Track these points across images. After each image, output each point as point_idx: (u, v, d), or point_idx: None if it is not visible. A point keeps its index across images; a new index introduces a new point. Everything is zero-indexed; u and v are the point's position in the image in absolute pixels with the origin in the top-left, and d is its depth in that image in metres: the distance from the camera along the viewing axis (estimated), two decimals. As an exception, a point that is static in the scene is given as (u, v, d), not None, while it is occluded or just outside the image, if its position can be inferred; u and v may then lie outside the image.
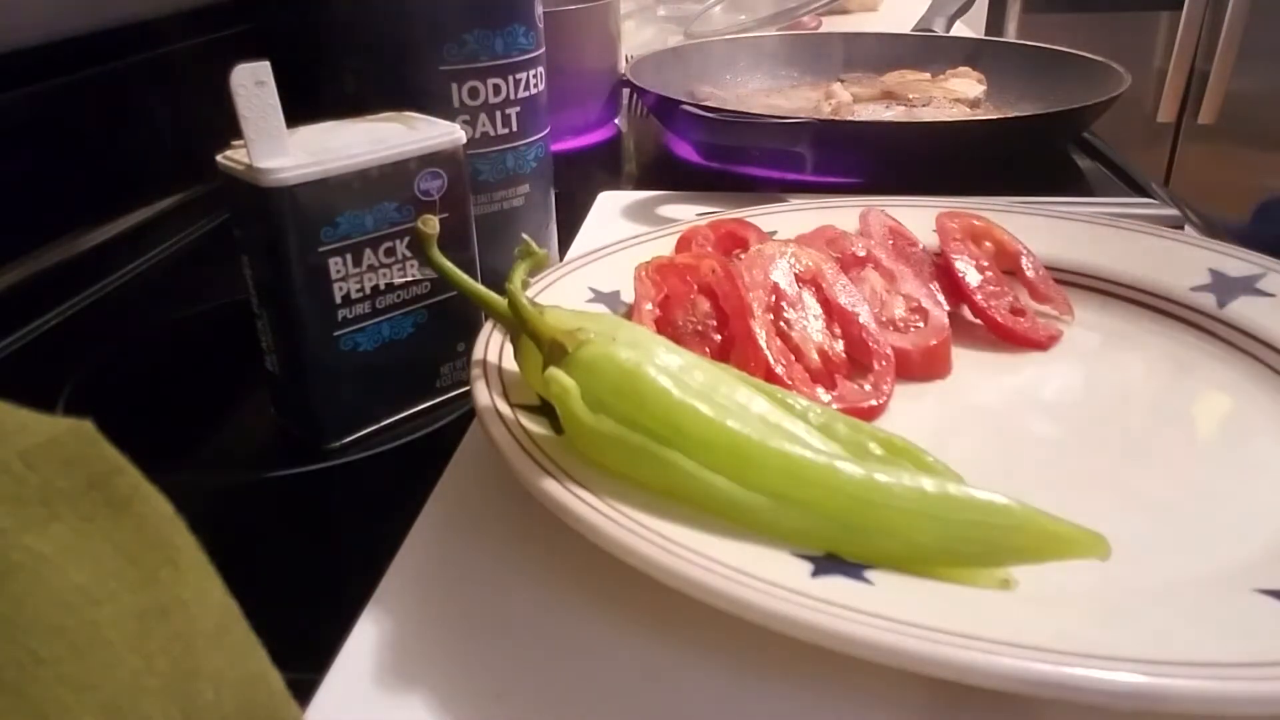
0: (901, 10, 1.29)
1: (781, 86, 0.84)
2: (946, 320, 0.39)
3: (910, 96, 0.77)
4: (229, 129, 0.32)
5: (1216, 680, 0.20)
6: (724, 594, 0.22)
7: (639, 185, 0.67)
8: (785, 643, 0.22)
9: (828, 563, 0.24)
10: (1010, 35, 1.72)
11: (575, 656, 0.26)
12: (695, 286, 0.38)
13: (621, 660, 0.25)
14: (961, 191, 0.52)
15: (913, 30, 0.95)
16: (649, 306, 0.37)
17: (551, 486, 0.26)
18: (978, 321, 0.42)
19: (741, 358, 0.35)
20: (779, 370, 0.35)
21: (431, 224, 0.31)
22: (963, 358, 0.39)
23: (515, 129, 0.43)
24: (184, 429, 0.40)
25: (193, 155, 0.42)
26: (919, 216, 0.45)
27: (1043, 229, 0.46)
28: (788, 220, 0.46)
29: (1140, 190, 0.63)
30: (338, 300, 0.34)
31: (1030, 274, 0.43)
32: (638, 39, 1.13)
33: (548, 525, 0.27)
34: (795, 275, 0.39)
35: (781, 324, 0.37)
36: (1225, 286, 0.41)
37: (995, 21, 1.74)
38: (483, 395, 0.30)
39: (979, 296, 0.41)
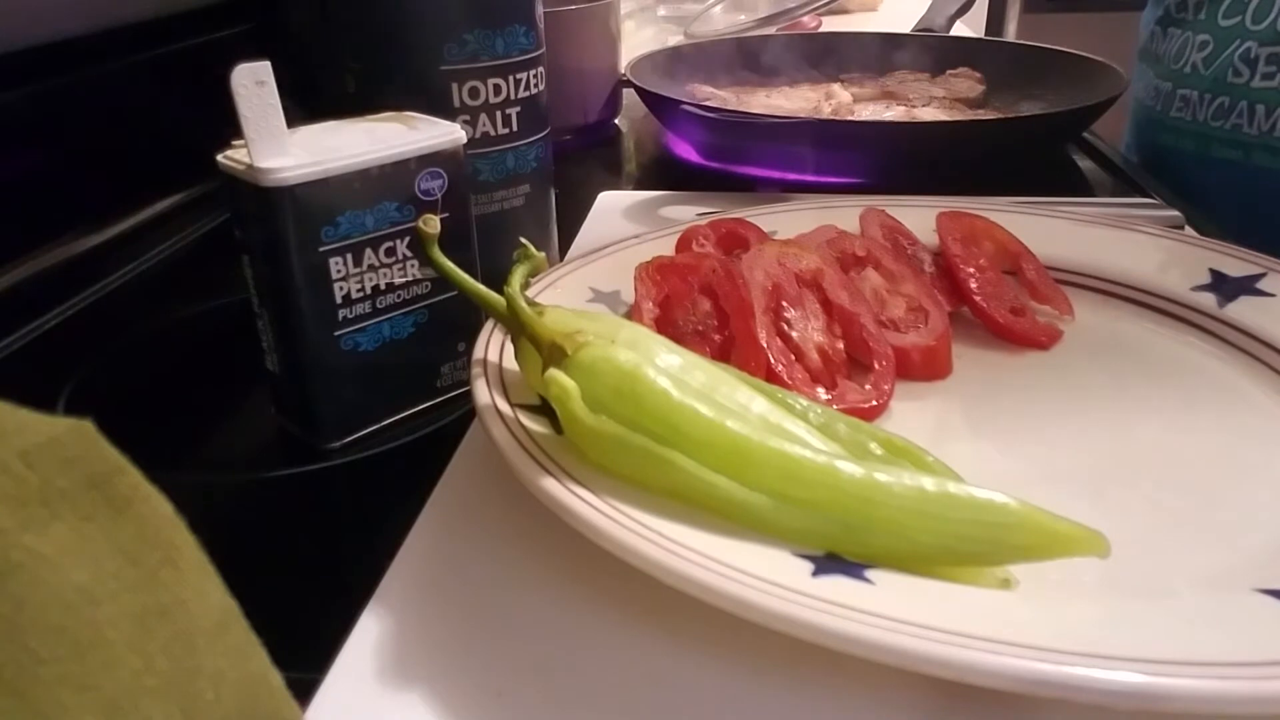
0: (901, 10, 1.29)
1: (781, 86, 0.84)
2: (946, 320, 0.39)
3: (910, 97, 0.77)
4: (229, 129, 0.32)
5: (1216, 680, 0.20)
6: (724, 594, 0.22)
7: (639, 185, 0.67)
8: (785, 643, 0.22)
9: (828, 562, 0.24)
10: (1010, 35, 1.72)
11: (575, 655, 0.26)
12: (695, 286, 0.38)
13: (621, 659, 0.25)
14: (961, 191, 0.52)
15: (913, 30, 0.95)
16: (649, 306, 0.37)
17: (552, 486, 0.26)
18: (978, 321, 0.42)
19: (742, 357, 0.35)
20: (779, 370, 0.35)
21: (432, 223, 0.31)
22: (963, 358, 0.39)
23: (515, 129, 0.43)
24: (184, 429, 0.40)
25: (193, 155, 0.42)
26: (919, 216, 0.45)
27: (1043, 229, 0.46)
28: (788, 220, 0.46)
29: (1140, 190, 0.63)
30: (338, 300, 0.34)
31: (1030, 274, 0.43)
32: (638, 39, 1.13)
33: (548, 525, 0.27)
34: (796, 275, 0.39)
35: (782, 324, 0.37)
36: (1225, 286, 0.41)
37: (995, 21, 1.74)
38: (483, 394, 0.30)
39: (979, 296, 0.41)
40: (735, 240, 0.44)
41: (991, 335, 0.41)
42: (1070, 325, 0.42)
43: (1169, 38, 0.77)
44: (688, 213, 0.56)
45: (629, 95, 0.77)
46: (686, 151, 0.71)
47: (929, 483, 0.25)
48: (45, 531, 0.15)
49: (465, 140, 0.36)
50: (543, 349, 0.29)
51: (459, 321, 0.38)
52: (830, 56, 0.87)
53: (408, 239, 0.35)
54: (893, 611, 0.22)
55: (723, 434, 0.25)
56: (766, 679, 0.25)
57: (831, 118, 0.69)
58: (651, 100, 0.70)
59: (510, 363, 0.33)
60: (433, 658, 0.26)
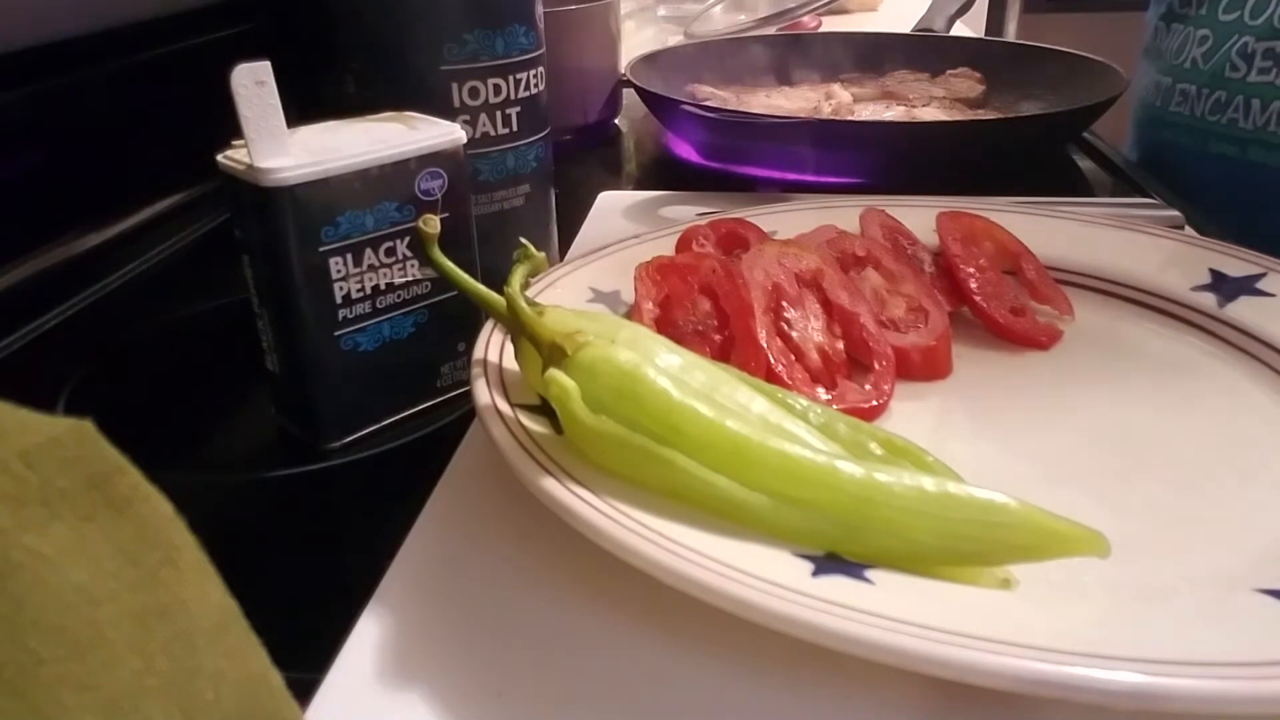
0: (901, 10, 1.29)
1: (781, 86, 0.84)
2: (946, 320, 0.39)
3: (910, 96, 0.77)
4: (229, 129, 0.32)
5: (1216, 680, 0.20)
6: (724, 594, 0.22)
7: (639, 185, 0.67)
8: (785, 643, 0.22)
9: (828, 562, 0.24)
10: (1010, 35, 1.72)
11: (575, 655, 0.26)
12: (695, 286, 0.38)
13: (621, 659, 0.25)
14: (961, 191, 0.52)
15: (913, 30, 0.96)
16: (649, 306, 0.37)
17: (552, 486, 0.26)
18: (978, 321, 0.42)
19: (742, 357, 0.35)
20: (779, 370, 0.35)
21: (433, 223, 0.31)
22: (963, 358, 0.39)
23: (515, 129, 0.43)
24: (184, 429, 0.40)
25: (193, 155, 0.42)
26: (919, 216, 0.45)
27: (1043, 229, 0.46)
28: (788, 220, 0.46)
29: (1140, 190, 0.63)
30: (338, 300, 0.34)
31: (1030, 274, 0.43)
32: (638, 39, 1.13)
33: (548, 525, 0.27)
34: (796, 275, 0.39)
35: (782, 324, 0.37)
36: (1225, 286, 0.41)
37: (995, 21, 1.74)
38: (483, 394, 0.30)
39: (979, 297, 0.41)
40: (735, 240, 0.44)
41: (991, 335, 0.41)
42: (1070, 325, 0.42)
43: (1171, 33, 0.77)
44: (688, 213, 0.56)
45: (629, 95, 0.77)
46: (686, 151, 0.71)
47: (929, 483, 0.25)
48: (45, 531, 0.15)
49: (465, 140, 0.36)
50: (543, 349, 0.29)
51: (459, 321, 0.38)
52: (830, 56, 0.87)
53: (408, 239, 0.35)
54: (893, 611, 0.22)
55: (723, 434, 0.25)
56: (766, 679, 0.25)
57: (831, 118, 0.69)
58: (651, 100, 0.70)
59: (510, 363, 0.33)
60: (433, 658, 0.26)
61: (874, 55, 0.87)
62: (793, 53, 0.88)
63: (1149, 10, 0.82)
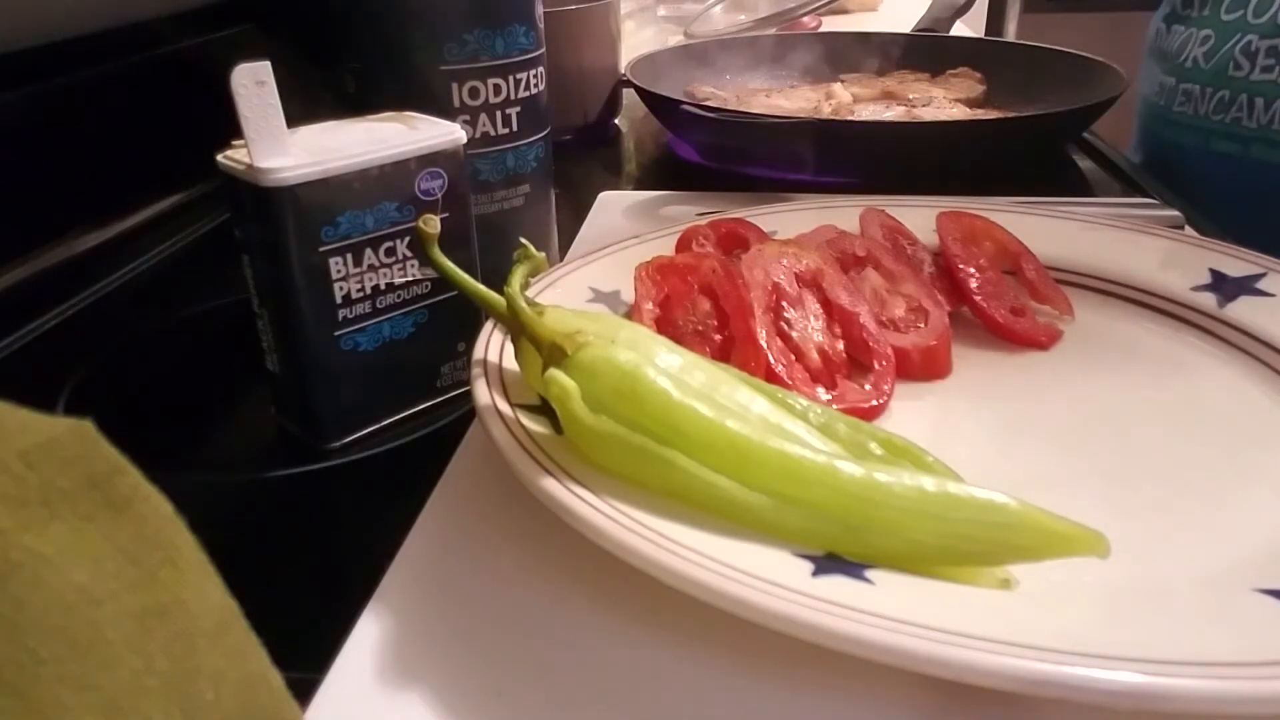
0: (901, 10, 1.29)
1: (781, 86, 0.84)
2: (946, 320, 0.39)
3: (910, 96, 0.77)
4: (229, 129, 0.32)
5: (1216, 680, 0.20)
6: (724, 594, 0.22)
7: (639, 185, 0.67)
8: (785, 643, 0.22)
9: (828, 562, 0.24)
10: (1010, 35, 1.72)
11: (575, 655, 0.26)
12: (695, 286, 0.38)
13: (621, 659, 0.25)
14: (961, 191, 0.52)
15: (913, 30, 0.95)
16: (649, 306, 0.37)
17: (552, 486, 0.26)
18: (978, 321, 0.42)
19: (742, 358, 0.35)
20: (779, 370, 0.35)
21: (433, 223, 0.31)
22: (963, 358, 0.39)
23: (515, 129, 0.43)
24: (184, 429, 0.40)
25: (193, 155, 0.42)
26: (919, 216, 0.45)
27: (1043, 229, 0.46)
28: (788, 220, 0.46)
29: (1140, 190, 0.63)
30: (338, 300, 0.34)
31: (1030, 274, 0.43)
32: (638, 39, 1.13)
33: (548, 525, 0.27)
34: (796, 275, 0.39)
35: (782, 324, 0.37)
36: (1225, 286, 0.41)
37: (995, 21, 1.74)
38: (483, 395, 0.30)
39: (979, 296, 0.41)
40: (735, 240, 0.44)
41: (991, 335, 0.41)
42: (1070, 325, 0.42)
43: (1173, 34, 0.77)
44: (688, 213, 0.56)
45: (629, 95, 0.77)
46: (687, 151, 0.71)
47: (929, 483, 0.25)
48: (45, 531, 0.15)
49: (465, 140, 0.36)
50: (543, 349, 0.29)
51: (459, 321, 0.38)
52: (830, 56, 0.87)
53: (408, 239, 0.35)
54: (893, 611, 0.22)
55: (723, 434, 0.25)
56: (766, 679, 0.25)
57: (831, 118, 0.69)
58: (651, 100, 0.70)
59: (510, 363, 0.33)
60: (433, 658, 0.26)
61: (874, 55, 0.87)
62: (793, 53, 0.88)
63: (1157, 11, 0.82)
